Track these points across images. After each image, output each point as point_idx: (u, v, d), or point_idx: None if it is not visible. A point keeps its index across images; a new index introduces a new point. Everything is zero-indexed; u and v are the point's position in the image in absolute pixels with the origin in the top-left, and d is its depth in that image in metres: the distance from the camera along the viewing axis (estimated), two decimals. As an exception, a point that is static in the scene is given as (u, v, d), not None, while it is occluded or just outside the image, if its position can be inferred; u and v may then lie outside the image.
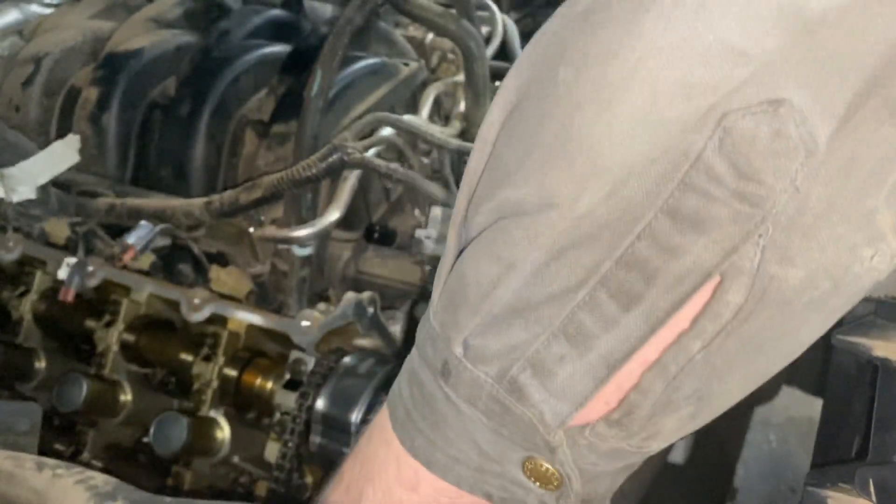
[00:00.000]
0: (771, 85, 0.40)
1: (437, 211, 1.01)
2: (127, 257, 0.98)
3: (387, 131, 1.06)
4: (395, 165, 1.02)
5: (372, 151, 1.03)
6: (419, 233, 1.01)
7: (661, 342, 0.44)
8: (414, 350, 0.54)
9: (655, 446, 0.49)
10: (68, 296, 1.07)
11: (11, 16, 1.45)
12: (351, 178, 1.03)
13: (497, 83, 1.38)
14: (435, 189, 1.06)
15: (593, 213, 0.43)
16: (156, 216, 1.03)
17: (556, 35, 0.46)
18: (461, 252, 0.51)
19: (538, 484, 0.51)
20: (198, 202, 1.02)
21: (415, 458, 0.53)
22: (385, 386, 0.96)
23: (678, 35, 0.41)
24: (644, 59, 0.41)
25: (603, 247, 0.43)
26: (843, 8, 0.39)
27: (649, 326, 0.44)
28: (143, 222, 1.02)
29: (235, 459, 1.07)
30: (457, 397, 0.50)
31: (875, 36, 0.39)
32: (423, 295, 1.16)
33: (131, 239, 0.99)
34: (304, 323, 0.99)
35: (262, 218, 1.07)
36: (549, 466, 0.50)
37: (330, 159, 0.98)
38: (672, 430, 0.48)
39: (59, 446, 1.13)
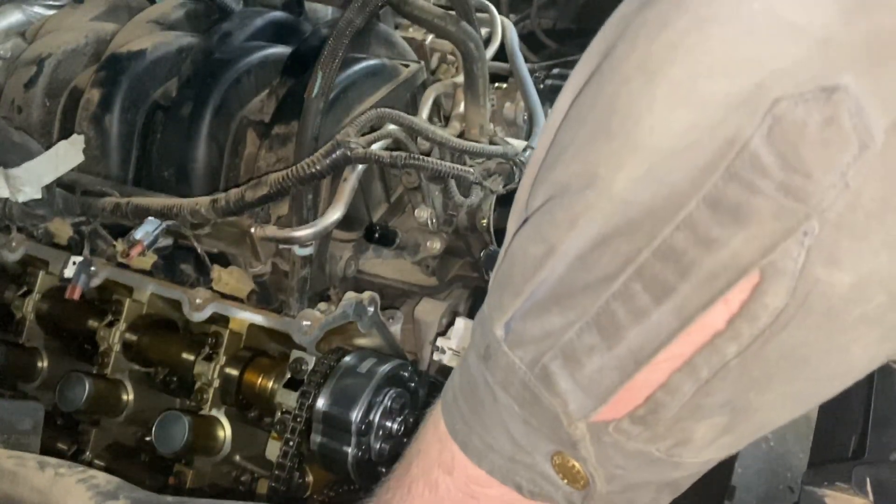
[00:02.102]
0: (826, 68, 0.36)
1: (460, 323, 1.00)
2: (135, 252, 0.99)
3: (389, 127, 1.07)
4: (398, 153, 1.02)
5: (375, 146, 1.03)
6: (441, 342, 1.01)
7: (692, 341, 0.42)
8: (470, 340, 0.54)
9: (688, 456, 0.47)
10: (75, 294, 1.07)
11: (14, 17, 1.45)
12: (351, 179, 1.04)
13: (497, 84, 1.38)
14: (445, 166, 1.05)
15: (635, 197, 0.41)
16: (161, 215, 1.03)
17: (620, 15, 0.45)
18: None
19: (566, 481, 0.50)
20: (204, 200, 1.02)
21: (454, 440, 0.53)
22: (385, 385, 0.97)
23: (723, 4, 0.38)
24: (688, 30, 0.39)
25: (643, 235, 0.41)
26: None
27: (680, 322, 0.42)
28: (149, 218, 1.02)
29: (237, 458, 1.07)
30: (493, 382, 0.49)
31: None
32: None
33: (138, 234, 1.00)
34: (305, 322, 1.00)
35: (270, 213, 1.07)
36: (576, 464, 0.48)
37: (334, 155, 0.98)
38: (704, 439, 0.46)
39: (61, 445, 1.13)
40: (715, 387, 0.43)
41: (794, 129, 0.37)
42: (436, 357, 1.03)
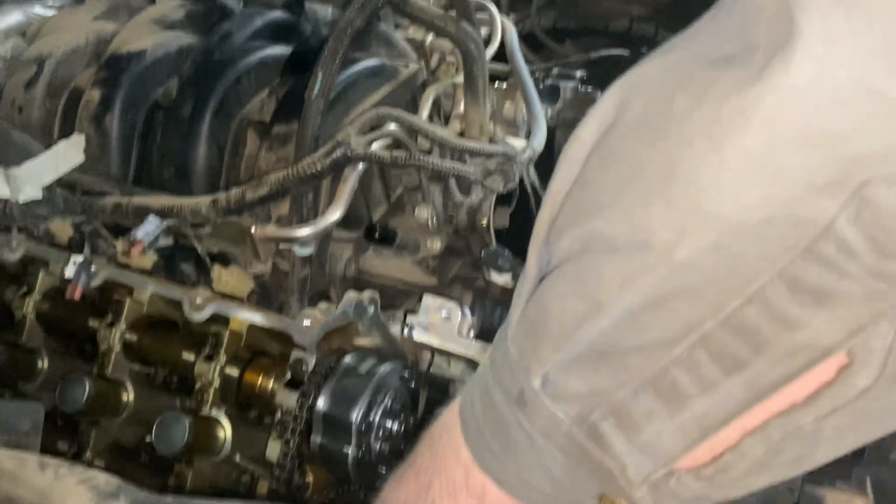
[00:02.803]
0: None
1: (428, 300, 1.02)
2: (135, 252, 0.99)
3: (389, 127, 1.07)
4: (399, 152, 1.02)
5: (376, 145, 1.03)
6: (410, 319, 1.02)
7: (766, 410, 0.41)
8: (488, 365, 0.53)
9: (741, 495, 0.47)
10: (75, 293, 1.07)
11: (14, 17, 1.46)
12: (351, 178, 1.04)
13: (496, 84, 1.38)
14: (445, 165, 1.06)
15: (696, 263, 0.40)
16: (162, 214, 1.04)
17: (680, 60, 0.42)
18: (542, 276, 0.48)
19: None
20: (204, 200, 1.02)
21: (485, 473, 0.53)
22: (385, 385, 0.97)
23: (804, 71, 0.35)
24: (762, 96, 0.36)
25: (706, 304, 0.40)
26: None
27: (753, 396, 0.41)
28: (150, 217, 1.02)
29: (237, 459, 1.07)
30: (531, 428, 0.48)
31: None
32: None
33: (139, 234, 1.00)
34: (305, 322, 1.00)
35: (271, 213, 1.07)
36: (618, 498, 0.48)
37: (334, 155, 0.98)
38: (763, 485, 0.45)
39: (61, 446, 1.13)
40: (785, 447, 0.42)
41: (887, 215, 0.35)
42: (405, 333, 1.04)
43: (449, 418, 0.58)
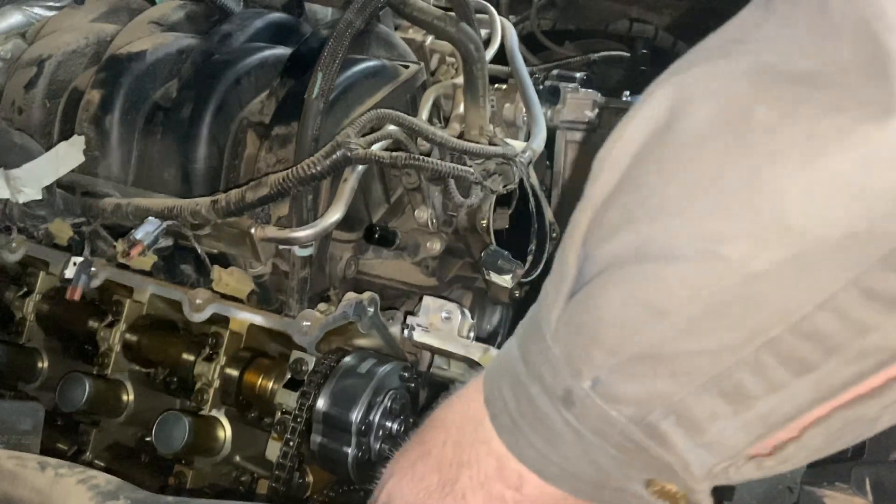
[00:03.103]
0: None
1: (428, 301, 1.02)
2: (135, 252, 0.99)
3: (389, 128, 1.07)
4: (398, 153, 1.02)
5: (375, 147, 1.03)
6: (410, 319, 1.03)
7: (831, 405, 0.43)
8: (518, 359, 0.53)
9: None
10: (75, 294, 1.07)
11: (14, 18, 1.46)
12: (351, 179, 1.04)
13: (496, 86, 1.39)
14: (444, 166, 1.06)
15: (770, 274, 0.40)
16: (162, 215, 1.04)
17: (751, 69, 0.42)
18: (583, 278, 0.48)
19: (661, 499, 0.50)
20: (204, 201, 1.02)
21: (524, 465, 0.53)
22: (385, 386, 0.97)
23: None
24: (861, 120, 0.38)
25: (775, 311, 0.41)
26: None
27: (821, 395, 0.42)
28: (150, 218, 1.03)
29: (237, 458, 1.07)
30: (580, 426, 0.49)
31: None
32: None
33: (139, 234, 1.00)
34: (305, 323, 1.00)
35: (270, 214, 1.07)
36: (677, 489, 0.49)
37: (334, 156, 0.98)
38: (811, 461, 0.47)
39: (61, 446, 1.13)
40: (844, 434, 0.44)
41: None
42: (405, 334, 1.04)
43: (467, 408, 0.58)
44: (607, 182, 0.47)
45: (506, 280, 1.14)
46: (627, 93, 1.62)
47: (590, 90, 1.42)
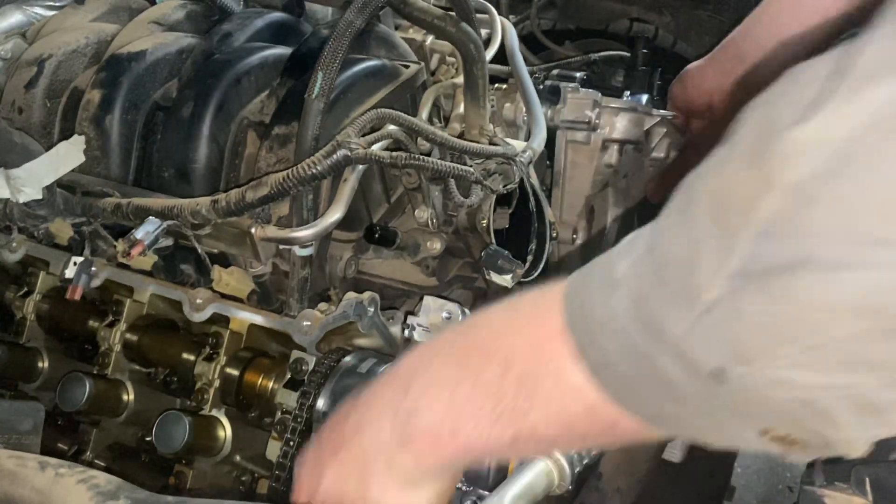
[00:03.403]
0: None
1: (429, 301, 1.02)
2: (135, 252, 0.99)
3: (389, 128, 1.07)
4: (399, 153, 1.02)
5: (376, 146, 1.03)
6: (411, 319, 1.03)
7: None
8: (633, 320, 0.53)
9: None
10: (76, 294, 1.08)
11: (14, 18, 1.46)
12: (351, 179, 1.04)
13: (496, 85, 1.39)
14: (445, 166, 1.06)
15: None
16: (162, 215, 1.04)
17: None
18: (755, 255, 0.47)
19: (774, 444, 0.52)
20: (204, 201, 1.02)
21: (635, 414, 0.55)
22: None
23: None
24: None
25: None
26: None
27: None
28: (150, 217, 1.03)
29: (237, 458, 1.08)
30: (722, 399, 0.50)
31: None
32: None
33: (139, 234, 1.00)
34: (305, 323, 1.00)
35: (271, 214, 1.07)
36: (797, 437, 0.51)
37: (335, 156, 0.98)
38: None
39: (61, 446, 1.13)
40: None
41: None
42: (406, 334, 1.04)
43: (544, 352, 0.59)
44: (811, 166, 0.44)
45: (506, 280, 1.14)
46: (628, 93, 1.62)
47: (590, 90, 1.42)
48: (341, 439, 0.72)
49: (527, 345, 0.60)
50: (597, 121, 1.39)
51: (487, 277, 1.17)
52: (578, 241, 1.45)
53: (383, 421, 0.67)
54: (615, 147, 1.43)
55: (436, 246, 1.22)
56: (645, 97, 1.57)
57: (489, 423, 0.60)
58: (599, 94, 1.41)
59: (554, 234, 1.27)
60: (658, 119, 1.46)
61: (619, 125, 1.42)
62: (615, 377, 0.55)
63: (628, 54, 1.92)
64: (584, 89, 1.41)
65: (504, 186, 1.16)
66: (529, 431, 0.60)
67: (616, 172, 1.46)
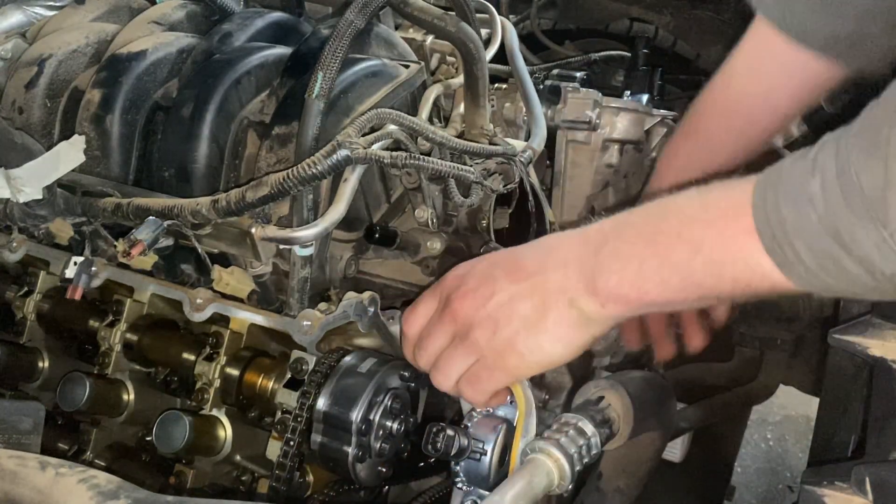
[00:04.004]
0: None
1: None
2: (135, 252, 0.99)
3: (389, 128, 1.07)
4: (399, 153, 1.02)
5: (376, 146, 1.03)
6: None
7: None
8: (821, 233, 0.67)
9: None
10: (76, 294, 1.08)
11: (15, 18, 1.46)
12: (351, 179, 1.04)
13: (496, 85, 1.39)
14: (445, 166, 1.06)
15: None
16: (162, 215, 1.04)
17: None
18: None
19: None
20: (204, 200, 1.02)
21: (792, 282, 0.72)
22: (385, 385, 0.97)
23: None
24: None
25: None
26: None
27: None
28: (150, 217, 1.02)
29: (237, 458, 1.08)
30: None
31: None
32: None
33: (139, 234, 1.00)
34: (306, 322, 1.00)
35: (271, 214, 1.07)
36: None
37: (335, 156, 0.98)
38: None
39: (62, 445, 1.13)
40: None
41: None
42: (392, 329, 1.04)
43: (734, 247, 0.73)
44: None
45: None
46: (628, 93, 1.63)
47: (590, 90, 1.42)
48: (523, 271, 0.85)
49: (718, 237, 0.74)
50: (597, 121, 1.39)
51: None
52: (578, 241, 1.45)
53: (569, 270, 0.82)
54: (615, 147, 1.43)
55: (436, 246, 1.22)
56: (645, 97, 1.57)
57: (675, 291, 0.77)
58: (600, 94, 1.41)
59: (554, 234, 1.27)
60: (658, 119, 1.46)
61: (619, 125, 1.42)
62: (802, 268, 0.70)
63: (628, 54, 1.92)
64: (584, 89, 1.42)
65: (504, 186, 1.16)
66: (714, 296, 0.76)
67: (616, 172, 1.46)
